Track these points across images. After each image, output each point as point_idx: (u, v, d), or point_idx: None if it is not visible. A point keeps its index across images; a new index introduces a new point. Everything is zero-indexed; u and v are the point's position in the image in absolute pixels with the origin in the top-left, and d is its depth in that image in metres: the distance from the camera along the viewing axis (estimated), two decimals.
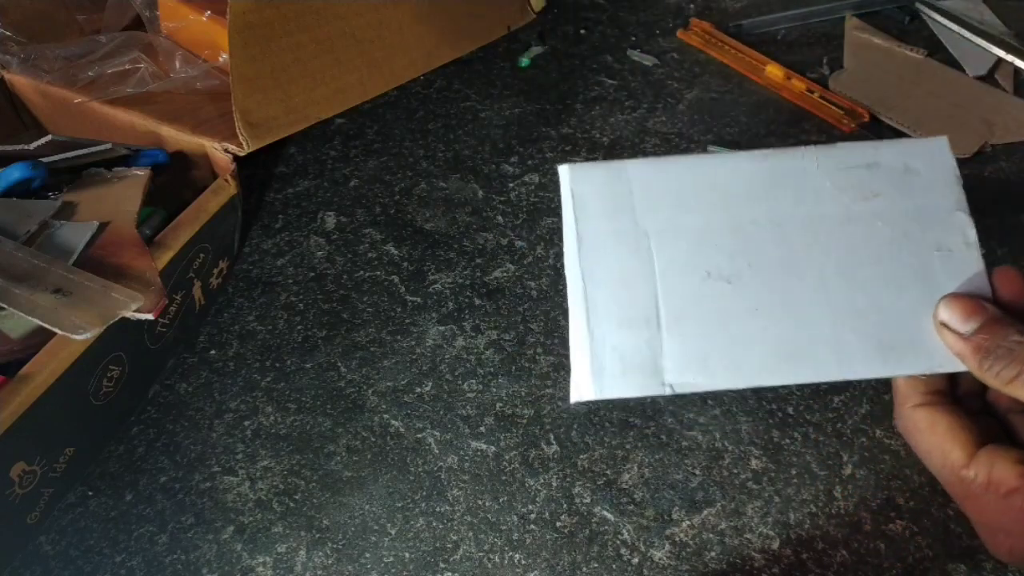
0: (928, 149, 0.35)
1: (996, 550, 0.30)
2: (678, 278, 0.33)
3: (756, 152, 0.35)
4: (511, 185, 0.64)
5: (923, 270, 0.33)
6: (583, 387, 0.32)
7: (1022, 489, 0.29)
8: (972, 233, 0.33)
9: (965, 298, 0.32)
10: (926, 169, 0.35)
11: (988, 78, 0.74)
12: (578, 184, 0.35)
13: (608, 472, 0.47)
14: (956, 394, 0.33)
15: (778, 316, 0.33)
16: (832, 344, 0.32)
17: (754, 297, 0.33)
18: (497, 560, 0.44)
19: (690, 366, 0.32)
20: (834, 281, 0.33)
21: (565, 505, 0.46)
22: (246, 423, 0.50)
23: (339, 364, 0.53)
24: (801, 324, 0.33)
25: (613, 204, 0.34)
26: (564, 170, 0.35)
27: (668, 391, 0.32)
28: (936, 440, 0.31)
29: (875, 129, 0.68)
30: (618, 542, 0.44)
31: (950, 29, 0.79)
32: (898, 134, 0.67)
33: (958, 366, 0.31)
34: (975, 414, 0.32)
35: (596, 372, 0.33)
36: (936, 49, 0.77)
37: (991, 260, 0.38)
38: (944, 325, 0.32)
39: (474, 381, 0.52)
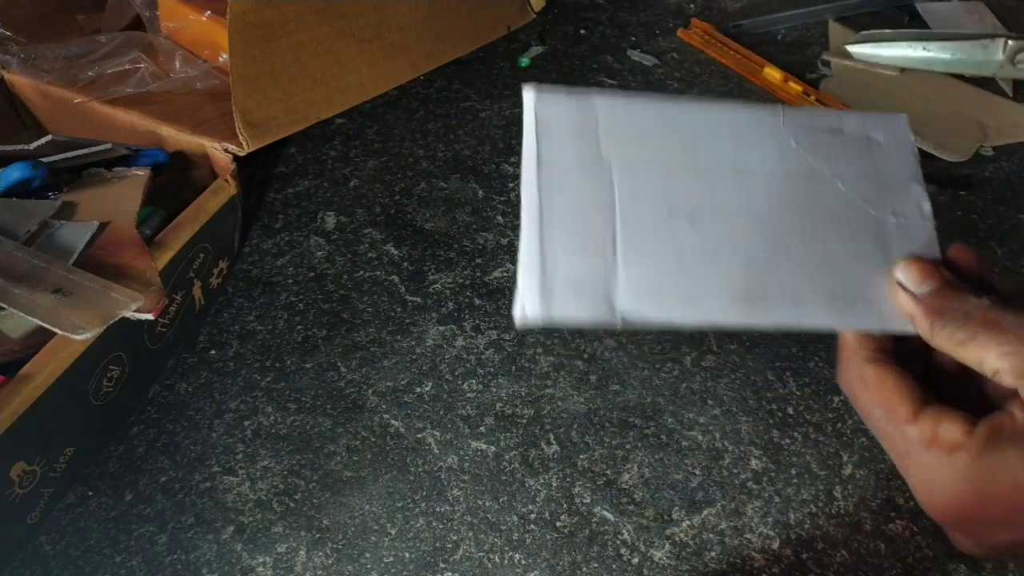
0: (889, 123, 0.36)
1: (933, 510, 0.30)
2: (639, 211, 0.33)
3: (725, 102, 0.36)
4: (511, 185, 0.64)
5: (878, 232, 0.34)
6: (529, 308, 0.31)
7: (967, 446, 0.29)
8: (927, 205, 0.35)
9: (921, 261, 0.32)
10: (886, 141, 0.36)
11: (987, 79, 0.74)
12: (543, 107, 0.34)
13: (608, 472, 0.47)
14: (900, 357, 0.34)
15: (737, 259, 0.33)
16: (788, 291, 0.32)
17: (714, 238, 0.33)
18: (497, 560, 0.44)
19: (644, 297, 0.32)
20: (793, 233, 0.34)
21: (565, 505, 0.46)
22: (246, 423, 0.50)
23: (339, 364, 0.53)
24: (759, 269, 0.33)
25: (578, 131, 0.34)
26: (529, 92, 0.34)
27: (619, 320, 0.31)
28: (884, 395, 0.31)
29: None
30: (618, 542, 0.44)
31: (950, 29, 0.79)
32: None
33: (907, 328, 0.32)
34: (916, 378, 0.32)
35: (545, 294, 0.31)
36: None
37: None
38: (900, 285, 0.32)
39: (474, 381, 0.52)
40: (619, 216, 0.33)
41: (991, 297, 0.31)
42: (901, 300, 0.32)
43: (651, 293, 0.32)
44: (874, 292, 0.33)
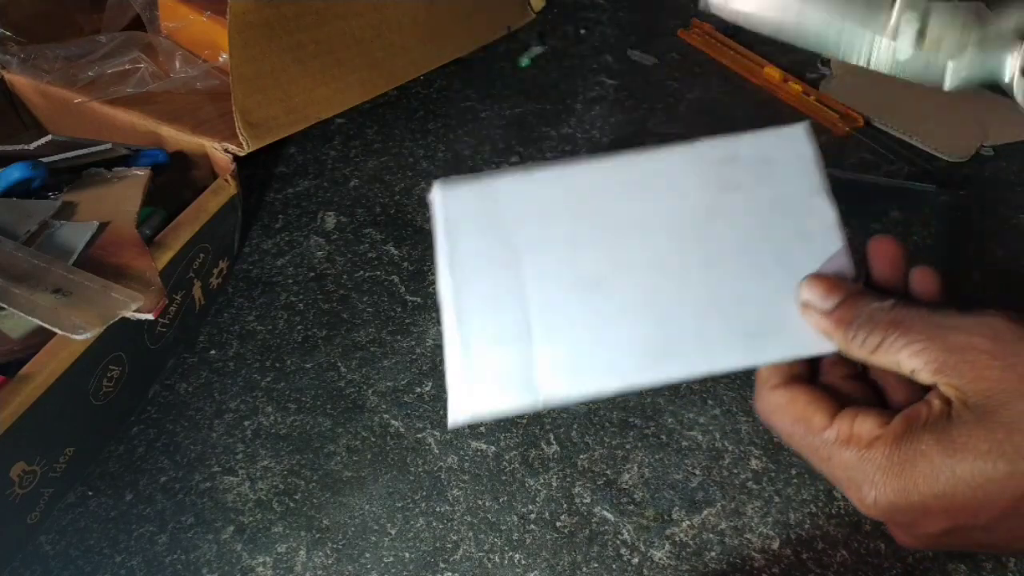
0: (786, 138, 0.36)
1: (864, 507, 0.30)
2: (548, 289, 0.33)
3: (619, 155, 0.35)
4: None
5: (785, 257, 0.33)
6: (459, 409, 0.32)
7: (883, 437, 0.29)
8: (831, 215, 0.34)
9: (824, 277, 0.32)
10: (784, 158, 0.35)
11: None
12: (449, 205, 0.35)
13: (608, 472, 0.47)
14: (820, 381, 0.34)
15: (644, 315, 0.33)
16: (697, 338, 0.32)
17: (621, 299, 0.33)
18: (497, 560, 0.44)
19: (562, 376, 0.32)
20: (698, 275, 0.33)
21: (565, 505, 0.46)
22: (246, 423, 0.50)
23: (339, 364, 0.53)
24: (666, 321, 0.33)
25: (483, 222, 0.35)
26: (435, 191, 0.35)
27: (541, 404, 0.32)
28: (797, 412, 0.31)
29: (869, 134, 0.68)
30: (618, 542, 0.44)
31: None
32: (893, 139, 0.68)
33: (824, 347, 0.32)
34: (845, 394, 0.32)
35: (473, 393, 0.32)
36: None
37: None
38: (807, 305, 0.32)
39: None
40: (530, 299, 0.33)
41: (894, 298, 0.31)
42: (812, 320, 0.32)
43: (568, 370, 0.32)
44: (787, 318, 0.32)
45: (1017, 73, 0.42)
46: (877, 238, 0.34)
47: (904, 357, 0.30)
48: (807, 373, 0.33)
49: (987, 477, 0.27)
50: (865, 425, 0.30)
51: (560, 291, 0.33)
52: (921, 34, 0.43)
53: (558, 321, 0.33)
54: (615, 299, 0.33)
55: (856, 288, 0.32)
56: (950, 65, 0.43)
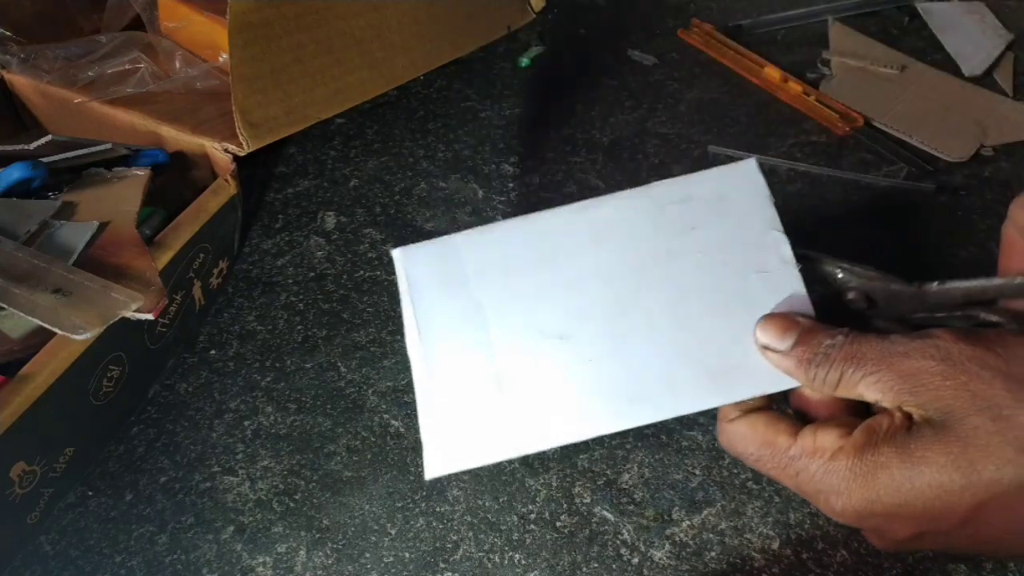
0: (738, 174, 0.36)
1: (834, 516, 0.31)
2: (514, 343, 0.34)
3: (576, 205, 0.36)
4: (511, 185, 0.64)
5: (744, 294, 0.34)
6: (435, 464, 0.33)
7: (845, 447, 0.30)
8: (787, 250, 0.34)
9: (778, 316, 0.33)
10: (738, 194, 0.35)
11: (986, 79, 0.74)
12: (412, 266, 0.36)
13: (608, 472, 0.47)
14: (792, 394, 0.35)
15: (611, 363, 0.33)
16: (664, 382, 0.33)
17: (587, 348, 0.34)
18: (497, 560, 0.44)
19: (533, 427, 0.33)
20: (661, 319, 0.34)
21: (565, 505, 0.46)
22: (246, 423, 0.50)
23: (339, 364, 0.53)
24: (633, 367, 0.33)
25: (447, 280, 0.35)
26: (397, 254, 0.36)
27: (514, 455, 0.33)
28: (759, 436, 0.32)
29: (869, 134, 0.68)
30: (618, 542, 0.44)
31: (950, 29, 0.79)
32: (893, 139, 0.68)
33: (787, 383, 0.33)
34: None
35: (446, 447, 0.33)
36: (936, 49, 0.77)
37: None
38: (766, 348, 0.33)
39: None
40: (497, 354, 0.34)
41: (846, 330, 0.32)
42: (773, 360, 0.33)
43: (538, 421, 0.33)
44: (748, 357, 0.33)
45: None
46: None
47: (863, 389, 0.31)
48: (765, 402, 0.34)
49: (944, 488, 0.29)
50: (827, 438, 0.31)
51: (526, 344, 0.34)
52: None
53: (526, 373, 0.34)
54: (581, 349, 0.34)
55: (808, 324, 0.32)
56: None
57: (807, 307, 0.33)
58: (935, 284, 0.34)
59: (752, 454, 0.33)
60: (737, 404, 0.33)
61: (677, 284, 0.34)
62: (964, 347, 0.30)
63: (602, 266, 0.35)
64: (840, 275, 0.35)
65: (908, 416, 0.30)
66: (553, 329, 0.34)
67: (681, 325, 0.34)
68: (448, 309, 0.35)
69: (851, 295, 0.35)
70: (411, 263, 0.36)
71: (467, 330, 0.35)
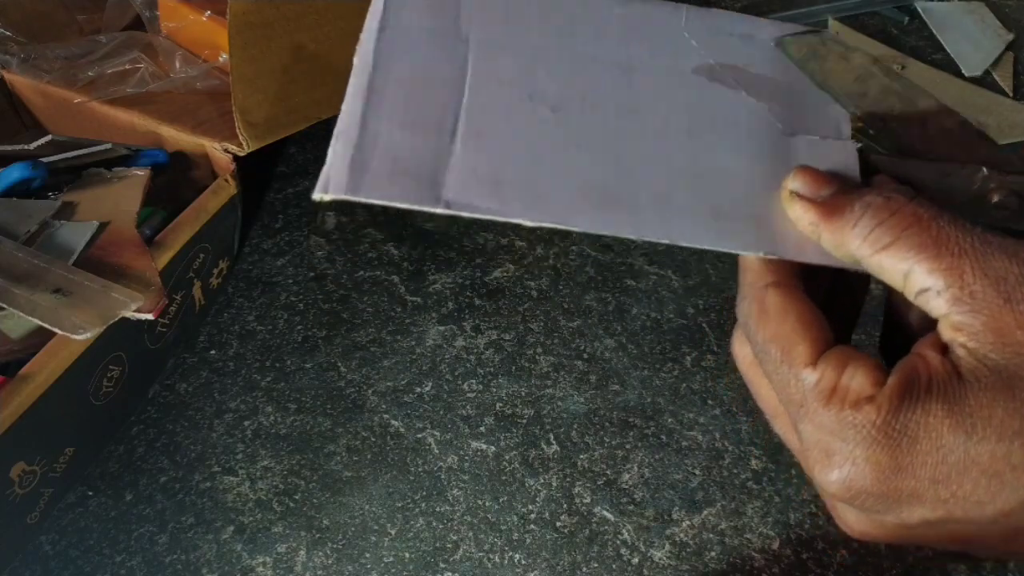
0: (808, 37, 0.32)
1: (827, 482, 0.24)
2: (492, 92, 0.28)
3: None
4: None
5: (784, 150, 0.29)
6: (335, 182, 0.27)
7: (876, 400, 0.22)
8: (847, 128, 0.30)
9: (819, 170, 0.26)
10: None
11: (986, 79, 0.74)
12: None
13: (608, 472, 0.47)
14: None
15: (603, 157, 0.28)
16: (659, 200, 0.27)
17: (580, 132, 0.28)
18: (497, 560, 0.44)
19: (478, 185, 0.27)
20: (678, 136, 0.29)
21: (565, 505, 0.46)
22: (246, 423, 0.50)
23: (339, 364, 0.53)
24: (629, 171, 0.28)
25: (437, 1, 0.30)
26: None
27: (442, 207, 0.26)
28: (784, 329, 0.25)
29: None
30: (618, 542, 0.44)
31: (950, 29, 0.79)
32: None
33: (802, 250, 0.26)
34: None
35: (357, 168, 0.27)
36: (936, 49, 0.77)
37: None
38: (794, 193, 0.26)
39: (474, 381, 0.52)
40: (467, 95, 0.28)
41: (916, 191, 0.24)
42: (798, 210, 0.26)
43: (488, 181, 0.27)
44: (767, 212, 0.27)
45: None
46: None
47: (917, 267, 0.23)
48: (804, 282, 0.27)
49: (1012, 464, 0.21)
50: (856, 379, 0.23)
51: (506, 99, 0.28)
52: None
53: (494, 128, 0.28)
54: (572, 127, 0.28)
55: (859, 184, 0.26)
56: None
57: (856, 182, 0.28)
58: None
59: (763, 342, 0.25)
60: (774, 265, 0.26)
61: (709, 107, 0.29)
62: None
63: (627, 60, 0.30)
64: (982, 175, 0.27)
65: (950, 358, 0.23)
66: (545, 97, 0.29)
67: (700, 149, 0.28)
68: (425, 29, 0.29)
69: (997, 197, 0.27)
70: None
71: (439, 59, 0.29)
